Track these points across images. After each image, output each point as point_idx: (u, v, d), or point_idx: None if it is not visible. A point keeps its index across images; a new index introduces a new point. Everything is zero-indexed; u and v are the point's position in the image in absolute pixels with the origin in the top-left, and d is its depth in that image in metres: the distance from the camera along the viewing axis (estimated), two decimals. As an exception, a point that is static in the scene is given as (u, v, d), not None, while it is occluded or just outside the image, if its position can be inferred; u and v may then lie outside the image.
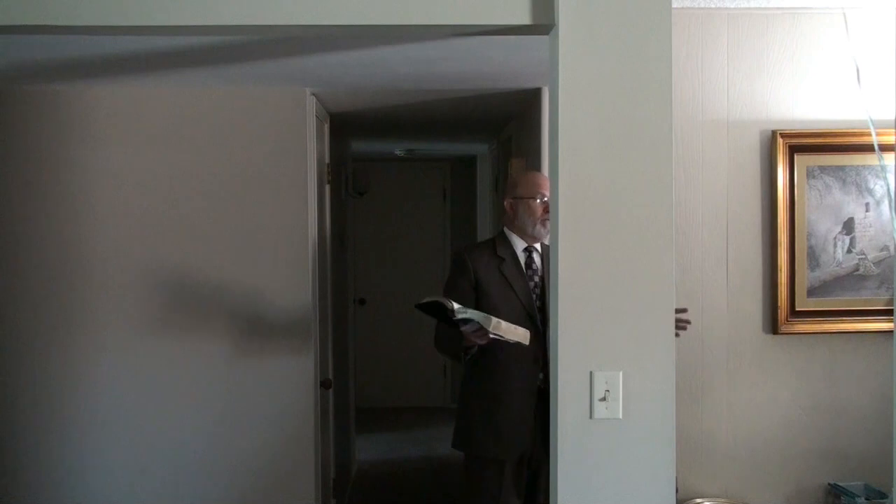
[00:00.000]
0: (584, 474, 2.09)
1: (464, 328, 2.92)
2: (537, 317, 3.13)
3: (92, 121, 3.71)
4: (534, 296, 3.17)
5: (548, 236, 3.17)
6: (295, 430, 3.80)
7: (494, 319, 2.85)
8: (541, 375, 3.11)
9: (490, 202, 6.82)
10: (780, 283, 2.92)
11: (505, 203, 3.27)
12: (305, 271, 3.80)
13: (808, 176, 2.93)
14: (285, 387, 3.79)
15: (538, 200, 3.16)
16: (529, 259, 3.22)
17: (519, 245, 3.22)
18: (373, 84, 3.72)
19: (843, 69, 2.89)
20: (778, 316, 2.93)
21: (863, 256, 2.95)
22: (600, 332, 2.07)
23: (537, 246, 3.24)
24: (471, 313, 2.88)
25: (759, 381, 2.96)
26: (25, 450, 3.75)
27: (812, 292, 2.95)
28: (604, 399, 2.06)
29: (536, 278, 3.21)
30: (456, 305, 2.87)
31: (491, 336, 2.88)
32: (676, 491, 2.28)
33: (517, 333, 2.88)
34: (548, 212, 3.14)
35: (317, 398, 3.89)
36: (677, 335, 2.41)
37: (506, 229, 3.28)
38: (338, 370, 4.86)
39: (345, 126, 4.97)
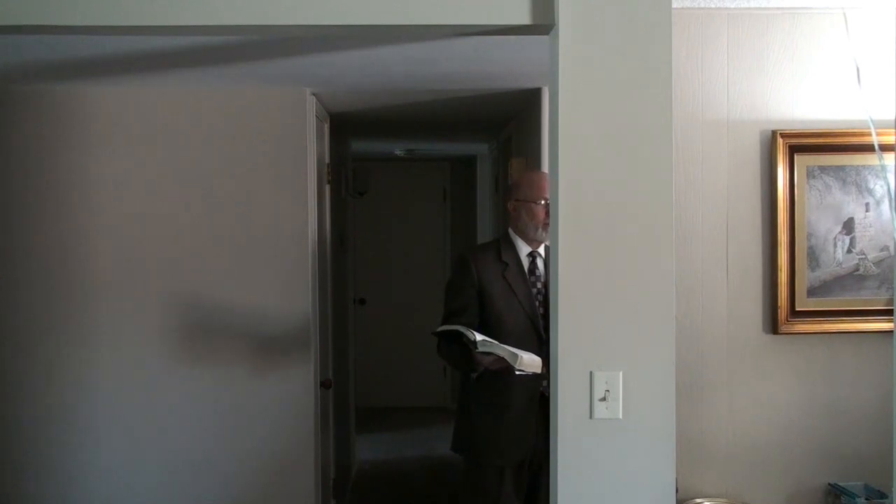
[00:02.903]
0: (584, 474, 2.09)
1: (484, 359, 2.91)
2: (540, 324, 3.12)
3: (92, 121, 3.71)
4: (536, 302, 3.15)
5: (547, 239, 3.17)
6: (295, 430, 3.80)
7: (519, 355, 2.83)
8: (545, 383, 3.08)
9: (490, 202, 6.82)
10: (780, 283, 2.92)
11: (508, 205, 3.24)
12: (305, 271, 3.80)
13: (808, 176, 2.92)
14: (285, 387, 3.79)
15: (541, 203, 3.11)
16: (533, 264, 3.20)
17: (523, 249, 3.20)
18: (373, 84, 3.72)
19: (843, 69, 2.89)
20: (778, 316, 2.93)
21: (863, 256, 2.94)
22: (600, 332, 2.07)
23: (541, 250, 3.21)
24: (494, 347, 2.87)
25: (759, 381, 2.96)
26: (26, 450, 3.74)
27: (812, 292, 2.94)
28: (604, 399, 2.06)
29: (539, 284, 3.18)
30: (478, 337, 2.87)
31: (517, 372, 2.88)
32: (676, 491, 2.28)
33: (534, 364, 2.88)
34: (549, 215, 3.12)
35: (317, 398, 3.89)
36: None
37: (510, 232, 3.24)
38: (338, 370, 4.86)
39: (345, 126, 4.97)
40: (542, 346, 3.07)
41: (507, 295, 3.13)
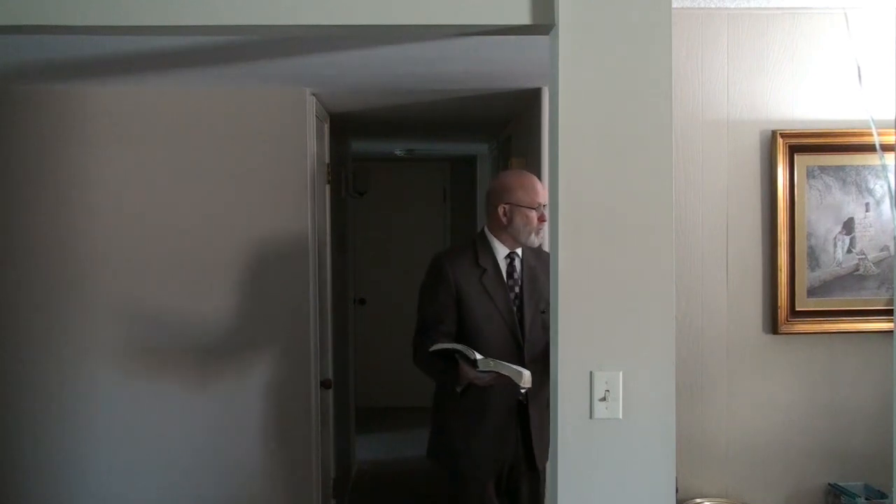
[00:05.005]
0: (584, 474, 2.09)
1: (479, 375, 2.83)
2: (518, 330, 3.05)
3: (92, 121, 3.71)
4: (514, 307, 3.07)
5: (539, 244, 3.11)
6: (295, 430, 3.80)
7: (524, 373, 2.75)
8: (522, 390, 3.00)
9: (490, 202, 6.81)
10: (780, 283, 2.92)
11: (498, 208, 3.06)
12: (305, 271, 3.79)
13: (808, 176, 2.93)
14: (285, 387, 3.79)
15: (534, 209, 3.01)
16: (511, 267, 3.10)
17: (501, 252, 3.09)
18: (373, 84, 3.72)
19: (844, 69, 2.89)
20: (778, 316, 2.93)
21: (863, 256, 2.94)
22: (600, 332, 2.07)
23: (519, 251, 3.11)
24: (498, 366, 2.79)
25: (759, 381, 2.96)
26: (25, 451, 3.74)
27: (812, 292, 2.94)
28: (604, 399, 2.06)
29: (517, 288, 3.09)
30: (478, 356, 2.80)
31: (522, 390, 2.82)
32: (676, 491, 2.28)
33: (529, 380, 2.79)
34: (543, 220, 3.02)
35: (317, 398, 3.89)
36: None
37: (487, 232, 3.11)
38: (338, 370, 4.86)
39: (345, 126, 4.97)
40: (521, 353, 3.02)
41: (485, 302, 3.03)
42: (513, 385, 2.84)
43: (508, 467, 3.12)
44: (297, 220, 3.78)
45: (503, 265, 3.10)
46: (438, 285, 3.06)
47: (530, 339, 3.05)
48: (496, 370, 2.81)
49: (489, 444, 3.07)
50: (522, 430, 3.09)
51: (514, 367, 2.80)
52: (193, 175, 3.74)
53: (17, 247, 3.71)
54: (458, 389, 2.96)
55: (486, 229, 3.14)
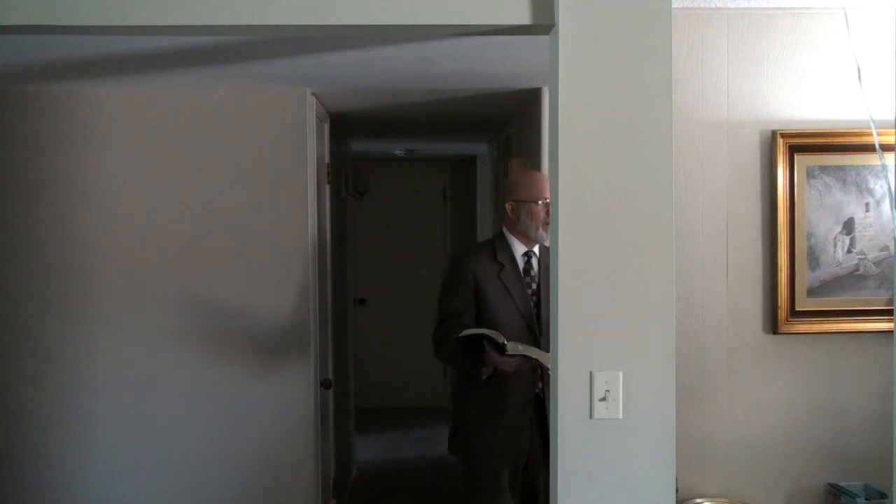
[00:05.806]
0: (584, 474, 2.09)
1: (505, 360, 2.89)
2: (535, 325, 3.12)
3: (92, 121, 3.71)
4: (531, 303, 3.15)
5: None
6: (295, 430, 3.80)
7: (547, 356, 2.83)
8: (540, 385, 3.11)
9: (490, 202, 6.82)
10: (780, 283, 2.92)
11: (506, 206, 3.23)
12: (305, 271, 3.80)
13: (808, 176, 2.93)
14: (285, 387, 3.79)
15: (540, 203, 3.13)
16: (528, 265, 3.19)
17: (519, 249, 3.20)
18: (373, 84, 3.72)
19: (843, 69, 2.89)
20: (778, 316, 2.93)
21: (863, 256, 2.94)
22: (600, 332, 2.07)
23: (536, 250, 3.21)
24: (528, 349, 2.87)
25: (759, 381, 2.96)
26: (25, 450, 3.74)
27: (812, 292, 2.94)
28: (604, 399, 2.06)
29: (534, 285, 3.18)
30: (506, 340, 2.86)
31: (550, 372, 2.87)
32: (676, 491, 2.28)
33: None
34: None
35: (317, 398, 3.89)
36: None
37: (505, 231, 3.24)
38: (338, 370, 4.86)
39: (345, 126, 4.97)
40: (537, 345, 3.08)
41: (503, 296, 3.12)
42: (535, 376, 2.94)
43: (524, 463, 3.16)
44: (297, 220, 3.78)
45: (521, 262, 3.19)
46: (458, 281, 3.15)
47: (546, 335, 3.10)
48: (524, 353, 2.88)
49: (505, 435, 3.12)
50: (540, 422, 3.13)
51: (545, 353, 2.85)
52: (193, 175, 3.74)
53: (16, 247, 3.71)
54: (484, 377, 3.01)
55: (504, 229, 3.26)
